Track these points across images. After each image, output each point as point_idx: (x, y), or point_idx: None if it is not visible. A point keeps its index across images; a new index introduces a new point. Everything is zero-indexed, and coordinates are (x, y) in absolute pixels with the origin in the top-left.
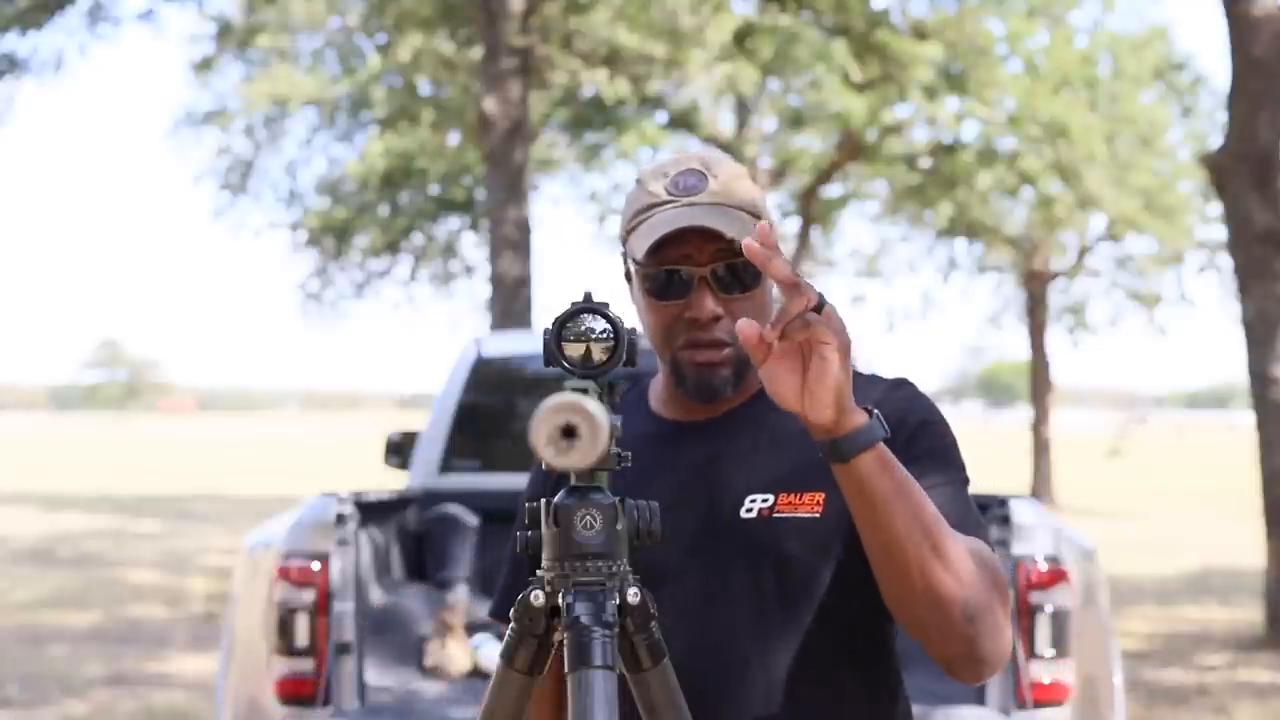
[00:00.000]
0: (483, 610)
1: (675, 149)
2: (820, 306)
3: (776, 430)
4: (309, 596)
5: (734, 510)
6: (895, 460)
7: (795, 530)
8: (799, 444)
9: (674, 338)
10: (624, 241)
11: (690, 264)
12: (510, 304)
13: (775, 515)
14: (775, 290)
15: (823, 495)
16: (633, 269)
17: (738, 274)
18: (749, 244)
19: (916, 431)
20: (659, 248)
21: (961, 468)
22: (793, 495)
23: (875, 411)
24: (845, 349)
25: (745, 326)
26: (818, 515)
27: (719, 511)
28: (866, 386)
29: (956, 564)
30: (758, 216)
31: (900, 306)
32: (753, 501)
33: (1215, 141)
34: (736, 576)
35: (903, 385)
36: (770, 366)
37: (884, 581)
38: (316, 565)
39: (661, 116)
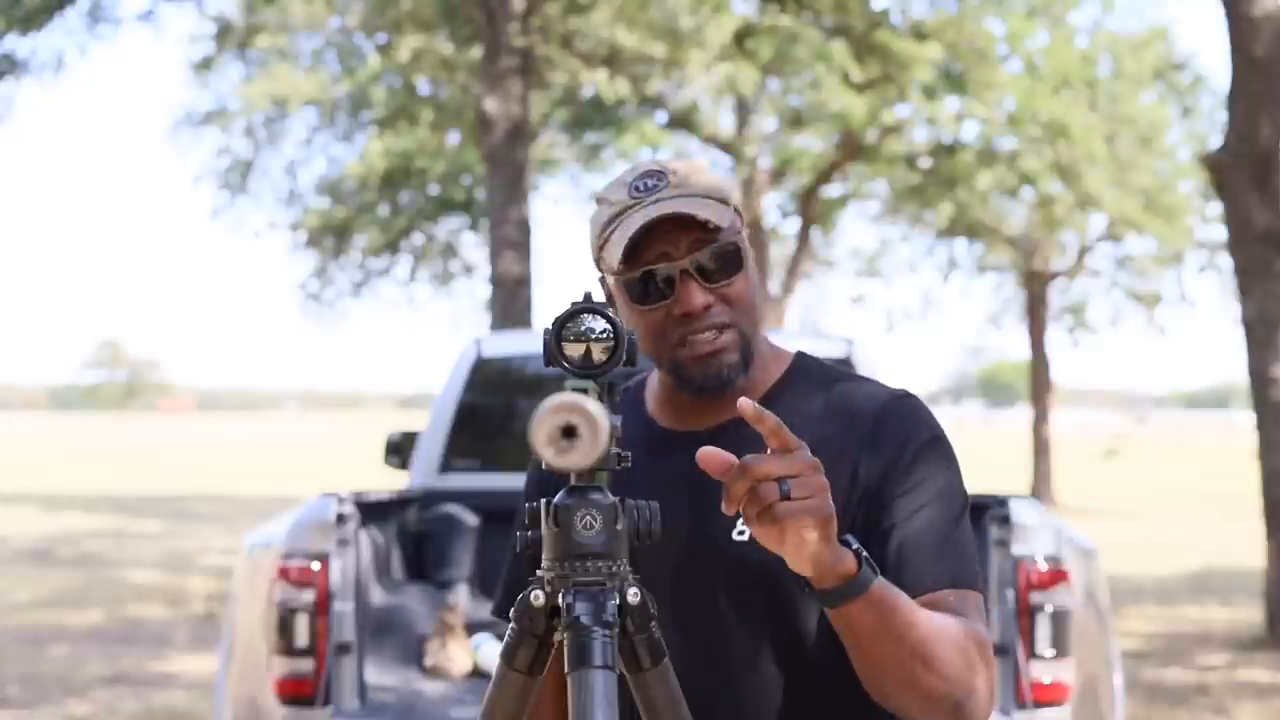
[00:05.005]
0: (483, 610)
1: (675, 149)
2: (793, 479)
3: None
4: (309, 596)
5: (726, 531)
6: (885, 593)
7: None
8: None
9: (668, 338)
10: (598, 263)
11: (668, 260)
12: (510, 304)
13: None
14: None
15: None
16: (612, 282)
17: (719, 260)
18: (744, 404)
19: (919, 455)
20: (635, 251)
21: (960, 497)
22: None
23: (864, 555)
24: (825, 523)
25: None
26: None
27: (710, 531)
28: (868, 393)
29: (945, 666)
30: (725, 202)
31: (900, 306)
32: (746, 524)
33: (1215, 141)
34: (724, 600)
35: (906, 399)
36: (747, 519)
37: (868, 683)
38: (316, 565)
39: (661, 116)
